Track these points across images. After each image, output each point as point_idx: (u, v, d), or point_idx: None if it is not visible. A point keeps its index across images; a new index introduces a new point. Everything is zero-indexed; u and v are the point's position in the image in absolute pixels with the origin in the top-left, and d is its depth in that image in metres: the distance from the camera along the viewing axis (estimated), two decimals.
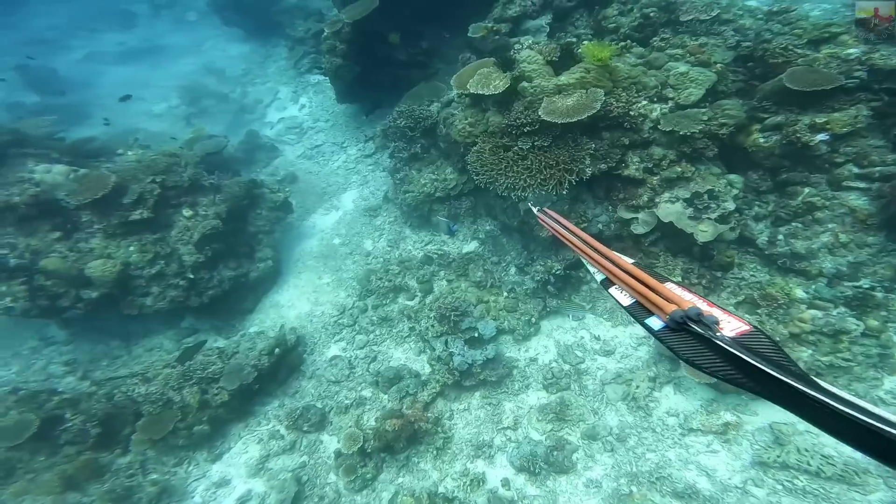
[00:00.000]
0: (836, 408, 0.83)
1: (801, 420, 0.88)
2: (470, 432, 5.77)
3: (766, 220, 5.45)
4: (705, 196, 5.38)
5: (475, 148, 6.33)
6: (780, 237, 5.25)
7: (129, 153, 8.56)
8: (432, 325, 6.50)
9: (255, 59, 14.44)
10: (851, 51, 5.12)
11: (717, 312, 1.22)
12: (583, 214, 6.05)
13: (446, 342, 6.29)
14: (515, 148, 5.96)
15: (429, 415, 5.90)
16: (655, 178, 5.65)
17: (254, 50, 14.92)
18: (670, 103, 5.54)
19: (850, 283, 4.75)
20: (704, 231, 5.32)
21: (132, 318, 7.61)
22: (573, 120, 5.25)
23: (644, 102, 5.49)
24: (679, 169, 5.43)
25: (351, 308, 7.77)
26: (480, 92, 5.95)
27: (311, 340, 7.45)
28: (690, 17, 5.97)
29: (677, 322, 1.19)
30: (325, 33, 9.46)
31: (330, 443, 6.19)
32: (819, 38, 5.38)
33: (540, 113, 5.49)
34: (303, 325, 7.70)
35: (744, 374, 0.99)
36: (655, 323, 1.27)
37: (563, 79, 5.62)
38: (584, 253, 1.92)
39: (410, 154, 8.30)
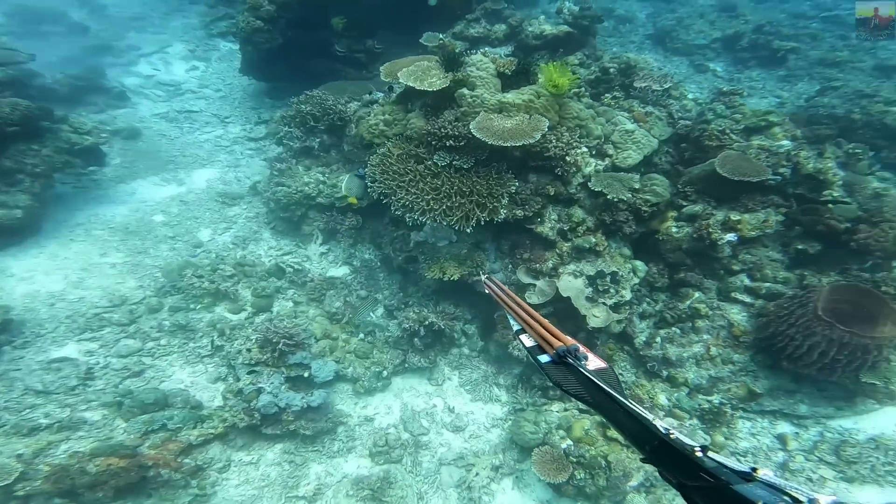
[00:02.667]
0: (629, 407, 1.33)
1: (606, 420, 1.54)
2: (243, 495, 4.50)
3: (649, 320, 5.45)
4: (608, 278, 5.28)
5: (382, 150, 5.62)
6: (658, 340, 5.28)
7: None
8: (249, 350, 5.06)
9: (160, 8, 13.18)
10: (783, 143, 5.58)
11: (589, 354, 1.71)
12: (479, 265, 5.39)
13: (259, 374, 4.72)
14: (429, 162, 5.39)
15: (186, 461, 4.34)
16: (567, 244, 5.43)
17: (165, 2, 13.54)
18: (607, 160, 5.58)
19: (705, 397, 5.01)
20: (597, 317, 5.13)
21: None
22: (506, 144, 4.94)
23: (584, 150, 5.43)
24: (593, 239, 5.32)
25: (135, 303, 5.91)
26: (411, 84, 5.50)
27: (32, 330, 5.45)
28: (644, 85, 6.47)
29: (560, 355, 1.65)
30: None
31: None
32: (756, 125, 5.84)
33: (471, 127, 5.08)
34: (29, 307, 5.68)
35: (588, 391, 1.50)
36: (544, 358, 1.72)
37: (510, 97, 5.43)
38: (511, 309, 2.27)
39: (303, 146, 7.28)
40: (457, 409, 5.43)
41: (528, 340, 1.91)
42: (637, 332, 5.33)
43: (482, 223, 5.07)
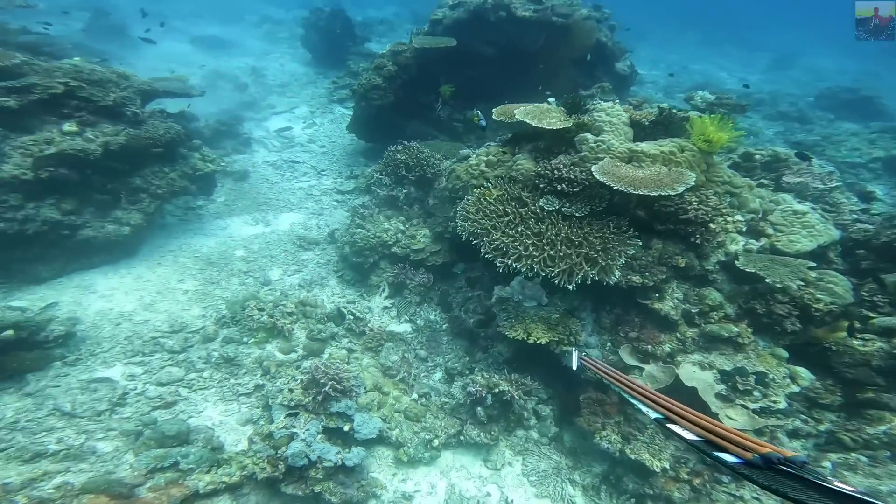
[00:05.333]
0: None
1: None
2: None
3: (807, 440, 4.43)
4: (752, 378, 4.13)
5: (479, 190, 5.31)
6: (826, 465, 4.28)
7: (76, 58, 7.51)
8: (291, 390, 4.57)
9: (301, 80, 15.42)
10: None
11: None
12: (572, 333, 4.55)
13: (296, 417, 4.29)
14: (534, 206, 4.91)
15: None
16: (693, 329, 4.46)
17: (308, 73, 16.12)
18: (763, 241, 4.63)
19: None
20: (733, 420, 4.14)
21: None
22: (637, 192, 4.24)
23: (738, 218, 4.56)
24: (735, 329, 4.30)
25: (193, 331, 5.86)
26: (528, 121, 5.20)
27: (89, 348, 5.43)
28: (799, 180, 5.60)
29: (771, 462, 1.40)
30: (383, 52, 9.50)
31: None
32: None
33: (593, 170, 4.55)
34: (97, 325, 5.74)
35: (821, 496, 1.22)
36: (729, 457, 1.51)
37: (645, 146, 4.86)
38: (637, 393, 2.21)
39: (390, 195, 7.28)
40: None
41: (685, 433, 1.74)
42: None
43: (587, 282, 4.34)
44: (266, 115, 12.64)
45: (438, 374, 5.64)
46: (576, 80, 9.50)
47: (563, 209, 4.76)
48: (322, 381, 4.43)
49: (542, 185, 4.97)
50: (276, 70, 16.14)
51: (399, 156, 7.40)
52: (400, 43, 9.64)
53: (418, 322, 6.26)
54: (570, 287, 4.39)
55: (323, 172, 10.15)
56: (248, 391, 5.14)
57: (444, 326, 6.16)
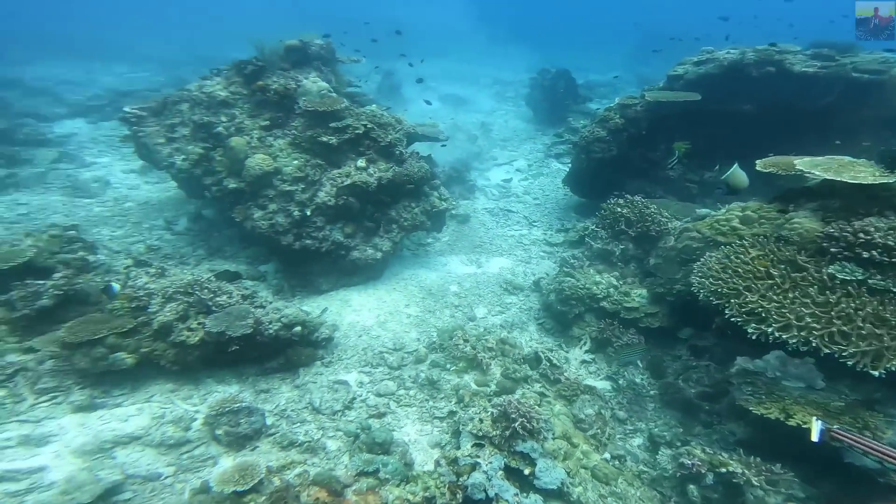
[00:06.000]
0: None
1: None
2: None
3: None
4: None
5: (730, 247, 4.77)
6: None
7: (373, 106, 9.47)
8: (481, 420, 4.69)
9: (522, 135, 16.75)
10: None
11: None
12: (872, 428, 3.49)
13: (481, 448, 4.43)
14: (818, 273, 4.15)
15: None
16: None
17: (528, 129, 17.47)
18: None
19: None
20: None
21: (232, 227, 7.87)
22: None
23: None
24: None
25: (409, 352, 6.57)
26: (818, 173, 4.52)
27: (338, 353, 6.44)
28: None
29: None
30: (610, 105, 9.57)
31: (224, 463, 4.69)
32: None
33: None
34: (346, 334, 6.82)
35: None
36: None
37: None
38: None
39: (603, 249, 7.04)
40: None
41: None
42: None
43: None
44: (488, 166, 13.85)
45: (638, 440, 5.08)
46: (887, 144, 7.79)
47: (869, 280, 3.87)
48: (513, 415, 4.42)
49: (833, 250, 4.18)
50: (501, 125, 17.74)
51: (620, 209, 7.12)
52: (630, 97, 9.50)
53: (620, 382, 5.78)
54: (876, 374, 3.49)
55: (534, 223, 10.55)
56: (442, 415, 5.41)
57: (651, 392, 5.56)
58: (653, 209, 6.91)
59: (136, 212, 9.50)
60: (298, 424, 5.16)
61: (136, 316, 5.38)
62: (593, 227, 7.42)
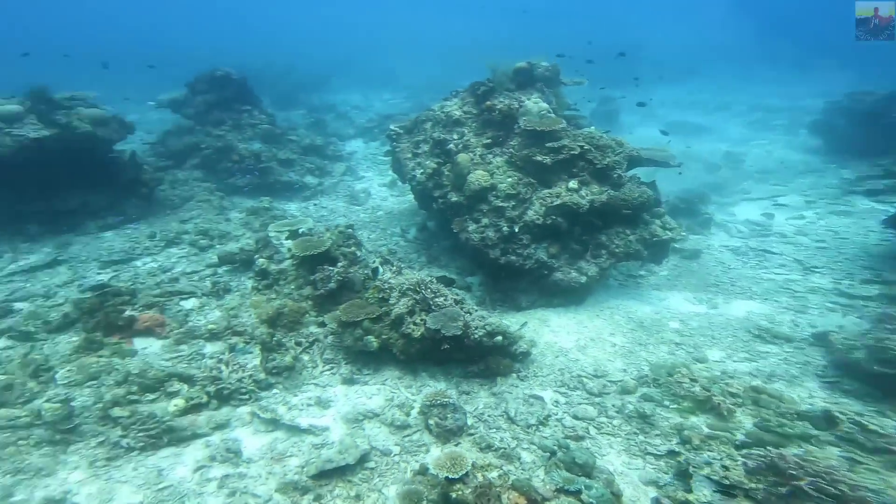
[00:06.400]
0: None
1: None
2: None
3: None
4: None
5: None
6: None
7: (592, 127, 9.08)
8: (726, 467, 3.74)
9: (797, 168, 14.35)
10: None
11: None
12: None
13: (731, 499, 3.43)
14: None
15: None
16: None
17: (808, 160, 14.73)
18: None
19: None
20: None
21: (449, 238, 8.24)
22: None
23: None
24: None
25: (612, 381, 5.81)
26: None
27: (534, 370, 6.12)
28: None
29: None
30: None
31: (435, 452, 4.81)
32: None
33: None
34: (543, 352, 6.45)
35: None
36: None
37: None
38: None
39: None
40: None
41: None
42: None
43: None
44: (735, 200, 12.05)
45: None
46: None
47: None
48: (789, 472, 3.18)
49: None
50: (759, 156, 15.33)
51: None
52: None
53: None
54: None
55: (814, 269, 8.55)
56: (658, 453, 4.56)
57: None
58: None
59: (384, 219, 11.07)
60: (494, 430, 5.01)
61: (381, 306, 6.09)
62: None
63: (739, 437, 4.51)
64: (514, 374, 5.87)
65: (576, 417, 5.18)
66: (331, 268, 6.66)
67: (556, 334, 6.87)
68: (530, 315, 7.34)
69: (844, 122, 14.69)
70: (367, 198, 12.49)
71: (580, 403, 5.40)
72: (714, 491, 3.60)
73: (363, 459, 4.51)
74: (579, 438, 4.83)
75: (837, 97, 15.43)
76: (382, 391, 5.51)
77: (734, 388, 5.22)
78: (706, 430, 4.70)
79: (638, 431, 4.85)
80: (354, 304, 6.11)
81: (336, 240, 7.26)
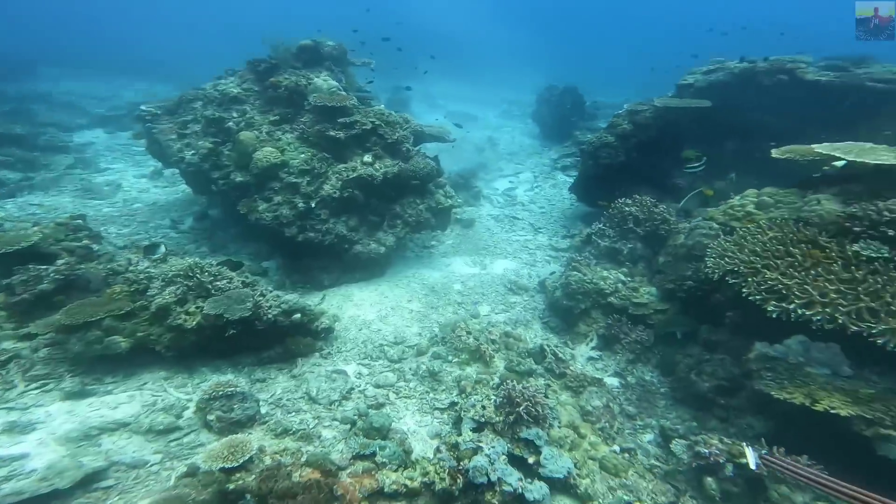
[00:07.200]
0: None
1: None
2: None
3: None
4: None
5: (746, 229, 4.72)
6: None
7: (381, 105, 9.40)
8: (483, 406, 4.44)
9: (528, 150, 16.93)
10: None
11: None
12: (892, 415, 3.25)
13: (482, 433, 4.23)
14: (843, 252, 4.07)
15: None
16: None
17: (534, 144, 17.63)
18: None
19: None
20: None
21: (237, 225, 7.66)
22: None
23: None
24: None
25: (410, 345, 6.36)
26: (839, 155, 4.49)
27: (338, 345, 6.26)
28: None
29: None
30: (619, 113, 9.51)
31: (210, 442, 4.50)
32: None
33: None
34: (347, 327, 6.64)
35: None
36: None
37: None
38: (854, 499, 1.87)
39: (611, 248, 6.86)
40: None
41: None
42: None
43: None
44: (494, 177, 13.91)
45: (649, 436, 4.82)
46: None
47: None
48: (517, 400, 4.17)
49: (856, 229, 4.04)
50: (508, 141, 17.92)
51: (628, 207, 6.97)
52: (639, 103, 9.42)
53: (629, 379, 5.52)
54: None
55: (540, 230, 10.48)
56: (442, 406, 5.19)
57: (662, 390, 5.29)
58: (662, 208, 6.76)
59: (144, 212, 9.53)
60: (294, 413, 4.94)
61: (134, 300, 5.23)
62: (601, 225, 7.24)
63: (496, 379, 5.45)
64: (318, 353, 5.86)
65: (377, 386, 5.49)
66: (42, 266, 5.48)
67: (359, 307, 7.11)
68: (334, 293, 7.42)
69: (546, 112, 17.88)
70: (114, 191, 10.62)
71: (382, 372, 5.75)
72: (471, 429, 4.33)
73: (89, 480, 3.84)
74: (380, 406, 5.17)
75: (540, 91, 18.76)
76: (138, 397, 4.79)
77: (494, 335, 6.15)
78: (475, 377, 5.53)
79: (429, 390, 5.44)
80: (88, 304, 5.13)
81: (51, 233, 6.05)
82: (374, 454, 4.18)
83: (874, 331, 3.35)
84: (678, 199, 8.72)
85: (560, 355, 5.63)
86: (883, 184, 4.39)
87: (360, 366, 5.88)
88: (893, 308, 3.39)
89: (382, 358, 6.05)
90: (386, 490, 3.91)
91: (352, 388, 5.38)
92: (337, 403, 5.12)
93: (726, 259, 4.39)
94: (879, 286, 3.58)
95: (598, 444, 4.48)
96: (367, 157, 7.72)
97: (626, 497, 4.01)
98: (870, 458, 3.40)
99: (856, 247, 3.94)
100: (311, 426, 4.76)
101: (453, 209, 8.87)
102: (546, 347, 5.71)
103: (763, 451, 3.50)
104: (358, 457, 4.16)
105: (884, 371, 3.70)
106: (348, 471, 4.05)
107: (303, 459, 4.04)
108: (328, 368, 5.65)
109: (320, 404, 5.08)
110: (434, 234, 9.61)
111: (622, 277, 6.23)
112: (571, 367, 5.52)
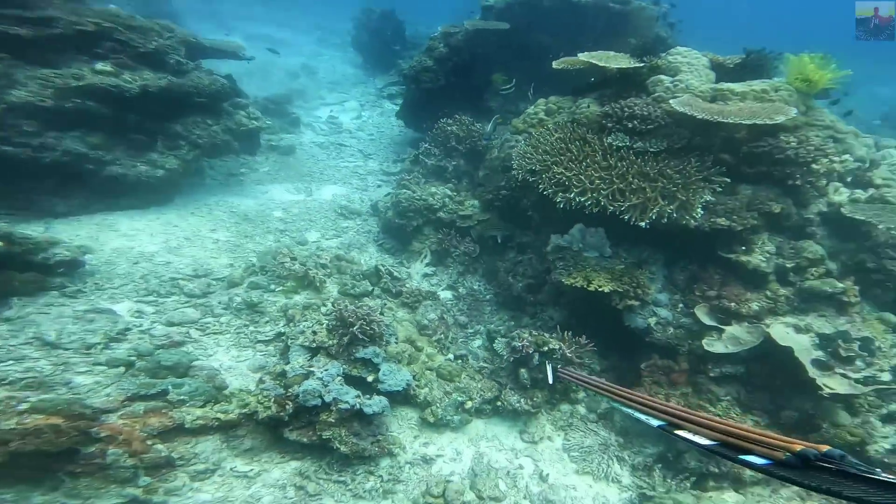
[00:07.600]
0: None
1: None
2: None
3: None
4: (855, 344, 3.62)
5: (536, 132, 4.99)
6: None
7: (113, 6, 7.35)
8: (314, 332, 3.94)
9: (352, 80, 15.57)
10: None
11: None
12: (640, 286, 3.80)
13: (315, 358, 3.73)
14: (601, 145, 4.50)
15: (158, 446, 3.13)
16: (787, 288, 3.95)
17: (357, 74, 16.34)
18: (871, 191, 3.85)
19: None
20: (832, 389, 3.50)
21: None
22: (725, 121, 3.64)
23: (847, 157, 3.81)
24: (839, 285, 3.79)
25: (218, 278, 5.35)
26: (594, 62, 4.91)
27: (97, 281, 4.92)
28: None
29: (807, 459, 1.20)
30: (434, 35, 9.18)
31: None
32: None
33: (673, 103, 4.14)
34: (110, 261, 5.29)
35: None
36: (757, 459, 1.31)
37: (731, 85, 4.37)
38: (631, 401, 1.99)
39: (437, 166, 6.77)
40: (551, 479, 3.96)
41: (697, 438, 1.52)
42: (875, 436, 3.67)
43: (661, 222, 3.83)
44: (316, 105, 12.67)
45: (479, 342, 5.05)
46: None
47: (634, 146, 4.27)
48: (350, 320, 3.75)
49: (609, 125, 4.51)
50: (328, 70, 16.36)
51: (450, 127, 6.92)
52: (452, 25, 9.28)
53: (460, 290, 5.63)
54: (643, 225, 3.86)
55: (370, 156, 9.93)
56: (267, 339, 4.55)
57: (488, 296, 5.54)
58: (479, 126, 6.91)
59: None
60: (13, 362, 3.71)
61: None
62: (427, 145, 7.08)
63: (329, 305, 4.95)
64: (56, 292, 4.56)
65: (171, 324, 4.50)
66: None
67: (131, 239, 5.74)
68: (82, 222, 5.82)
69: (366, 39, 16.21)
70: None
71: (177, 308, 4.73)
72: (303, 358, 3.89)
73: None
74: (177, 344, 4.23)
75: (356, 15, 16.81)
76: None
77: (324, 259, 5.66)
78: (304, 303, 4.96)
79: (248, 323, 4.71)
80: None
81: None
82: (165, 392, 3.36)
83: (622, 208, 3.92)
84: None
85: (396, 274, 5.41)
86: (624, 87, 5.07)
87: (141, 303, 4.76)
88: (634, 187, 3.98)
89: (178, 294, 4.99)
90: (188, 426, 3.18)
91: (127, 329, 4.31)
92: (101, 346, 4.04)
93: (526, 160, 4.72)
94: (625, 170, 4.16)
95: (434, 354, 4.50)
96: (103, 65, 5.99)
97: (459, 398, 4.18)
98: (623, 336, 4.11)
99: (609, 139, 4.49)
100: (48, 373, 3.67)
101: (261, 132, 7.77)
102: (381, 267, 5.40)
103: (559, 366, 3.91)
104: (137, 397, 3.30)
105: (630, 247, 4.43)
106: (121, 412, 3.23)
107: (22, 407, 2.99)
108: (78, 308, 4.43)
109: (68, 349, 3.96)
110: (243, 161, 8.29)
111: (448, 192, 6.20)
112: (407, 285, 5.36)
